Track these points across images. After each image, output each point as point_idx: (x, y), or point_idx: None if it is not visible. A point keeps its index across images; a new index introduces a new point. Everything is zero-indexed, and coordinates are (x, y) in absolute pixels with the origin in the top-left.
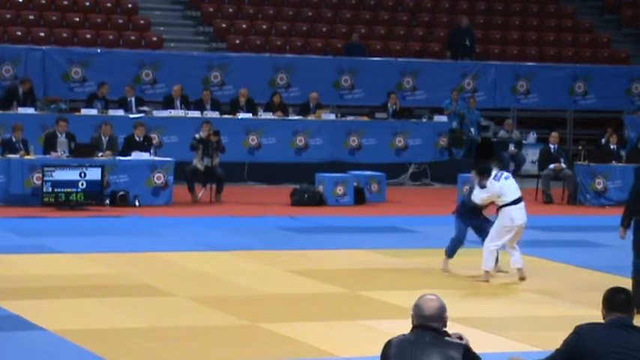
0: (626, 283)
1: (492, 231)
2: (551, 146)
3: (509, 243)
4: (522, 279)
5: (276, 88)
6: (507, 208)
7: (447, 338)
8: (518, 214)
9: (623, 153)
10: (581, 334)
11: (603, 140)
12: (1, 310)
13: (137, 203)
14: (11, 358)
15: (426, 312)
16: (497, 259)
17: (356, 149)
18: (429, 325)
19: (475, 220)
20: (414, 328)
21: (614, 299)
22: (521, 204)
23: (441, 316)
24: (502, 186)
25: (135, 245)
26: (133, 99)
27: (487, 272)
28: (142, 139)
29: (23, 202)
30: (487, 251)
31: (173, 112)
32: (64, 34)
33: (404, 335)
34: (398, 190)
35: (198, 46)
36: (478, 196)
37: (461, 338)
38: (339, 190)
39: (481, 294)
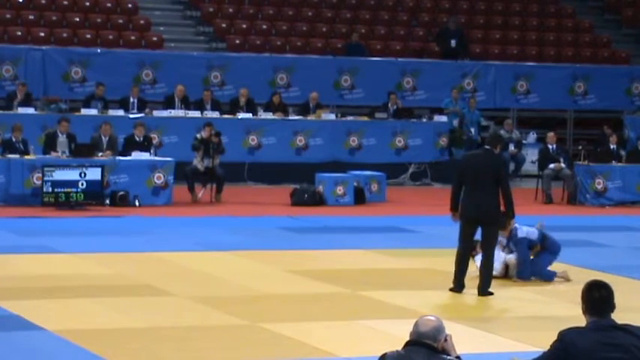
0: (627, 282)
1: None
2: (550, 146)
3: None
4: None
5: (276, 88)
6: None
7: (443, 356)
8: None
9: (623, 153)
10: (566, 340)
11: (605, 133)
12: (1, 310)
13: (137, 203)
14: (11, 358)
15: (422, 328)
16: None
17: (356, 149)
18: (423, 342)
19: None
20: (408, 343)
21: (590, 300)
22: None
23: (435, 336)
24: None
25: (135, 245)
26: (135, 100)
27: None
28: (142, 139)
29: (23, 202)
30: None
31: (173, 112)
32: (64, 34)
33: (398, 352)
34: (398, 190)
35: (198, 46)
36: None
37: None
38: (339, 190)
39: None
